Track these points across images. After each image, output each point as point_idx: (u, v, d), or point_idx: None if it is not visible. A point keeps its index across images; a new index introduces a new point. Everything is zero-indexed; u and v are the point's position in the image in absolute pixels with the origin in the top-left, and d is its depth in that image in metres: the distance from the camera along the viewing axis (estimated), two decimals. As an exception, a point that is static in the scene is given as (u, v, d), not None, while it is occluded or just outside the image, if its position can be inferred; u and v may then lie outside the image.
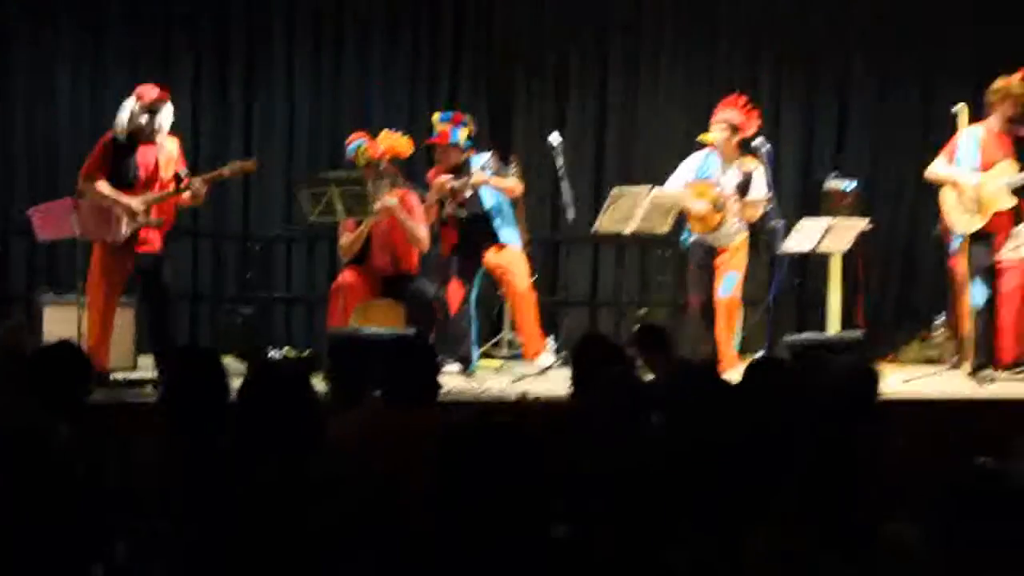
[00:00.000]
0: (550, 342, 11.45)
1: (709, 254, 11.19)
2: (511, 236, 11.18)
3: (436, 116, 11.44)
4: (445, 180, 11.01)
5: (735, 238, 11.16)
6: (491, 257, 11.14)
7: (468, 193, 11.04)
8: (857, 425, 5.35)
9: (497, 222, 11.14)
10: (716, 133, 11.18)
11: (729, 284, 11.09)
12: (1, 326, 7.79)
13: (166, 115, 9.99)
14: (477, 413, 4.98)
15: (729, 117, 11.20)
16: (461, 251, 11.20)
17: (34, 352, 6.32)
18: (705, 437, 4.58)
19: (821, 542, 3.98)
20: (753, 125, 11.27)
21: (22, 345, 7.70)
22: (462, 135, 11.10)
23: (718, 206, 10.97)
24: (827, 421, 4.47)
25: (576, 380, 6.59)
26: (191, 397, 5.42)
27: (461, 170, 11.12)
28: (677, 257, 12.93)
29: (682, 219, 11.34)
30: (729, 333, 11.02)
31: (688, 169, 11.34)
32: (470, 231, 11.11)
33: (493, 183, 11.00)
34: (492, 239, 11.11)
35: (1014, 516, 3.87)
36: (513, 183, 10.99)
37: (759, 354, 10.13)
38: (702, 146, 11.36)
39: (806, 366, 8.82)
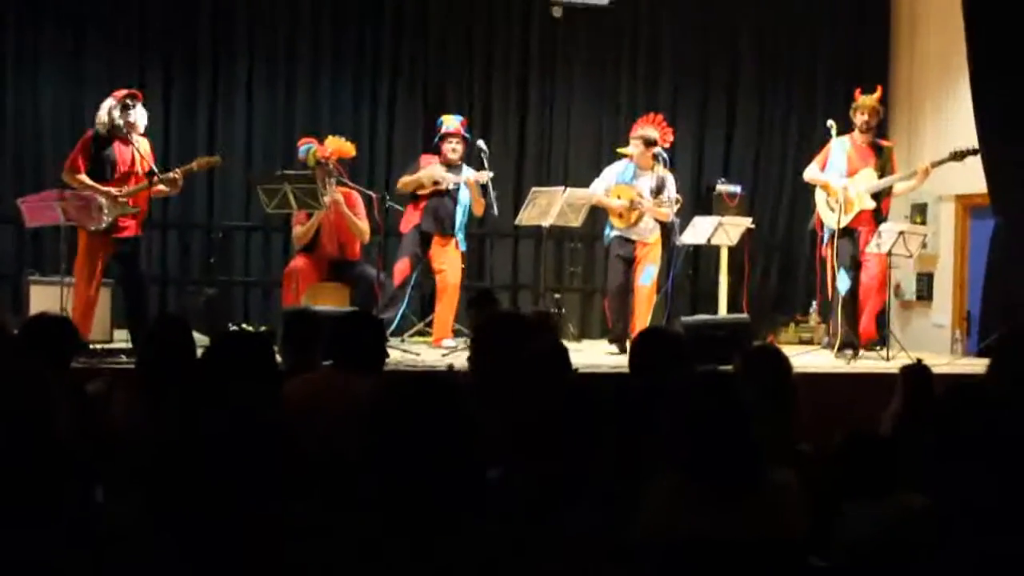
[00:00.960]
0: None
1: (628, 246, 11.36)
2: (460, 237, 11.36)
3: (449, 116, 11.63)
4: (443, 172, 11.19)
5: (650, 235, 11.34)
6: (436, 250, 11.29)
7: (451, 186, 11.20)
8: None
9: (460, 221, 11.31)
10: (633, 147, 11.39)
11: (648, 275, 11.33)
12: None
13: (140, 114, 10.02)
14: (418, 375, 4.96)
15: (645, 133, 11.38)
16: (419, 233, 11.32)
17: (32, 319, 6.32)
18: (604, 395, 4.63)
19: (712, 487, 4.03)
20: (667, 139, 11.48)
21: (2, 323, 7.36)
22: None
23: (635, 204, 11.17)
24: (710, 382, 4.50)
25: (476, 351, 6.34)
26: (164, 357, 5.53)
27: (451, 167, 11.30)
28: (586, 250, 13.15)
29: (605, 218, 11.59)
30: (646, 314, 11.20)
31: (611, 174, 11.51)
32: (432, 217, 11.28)
33: (474, 193, 11.16)
34: (445, 233, 11.29)
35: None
36: (482, 206, 11.17)
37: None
38: (620, 157, 11.59)
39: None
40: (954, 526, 3.42)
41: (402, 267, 11.27)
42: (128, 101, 9.97)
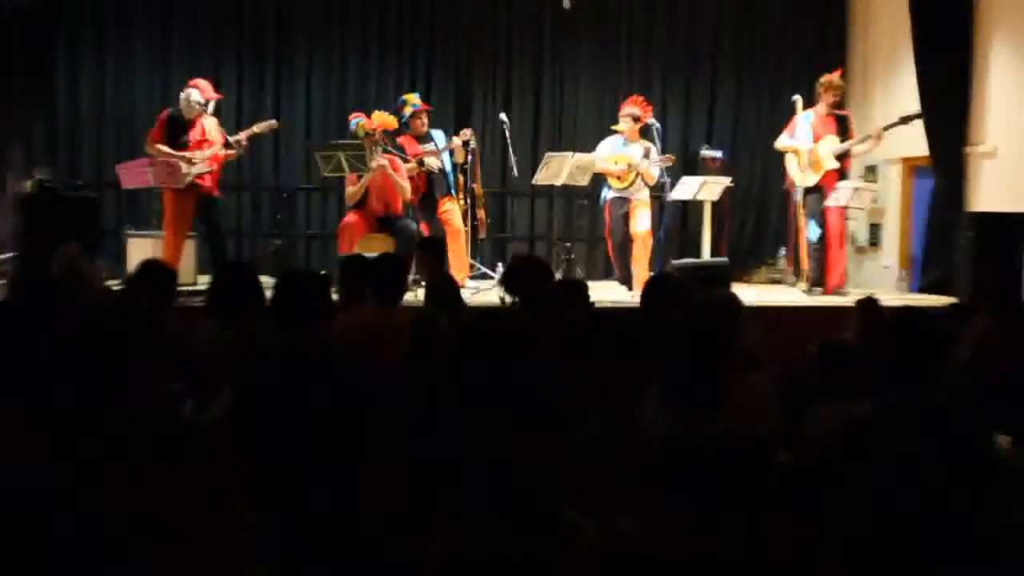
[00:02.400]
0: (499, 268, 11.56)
1: (624, 205, 11.35)
2: (453, 191, 11.40)
3: (412, 95, 11.62)
4: (429, 152, 11.19)
5: (640, 194, 11.37)
6: (442, 205, 11.31)
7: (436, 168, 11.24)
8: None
9: (450, 180, 11.36)
10: (624, 124, 11.44)
11: (643, 220, 11.28)
12: (60, 256, 7.34)
13: (211, 105, 10.45)
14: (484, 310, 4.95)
15: (632, 111, 11.43)
16: (425, 199, 11.33)
17: (143, 264, 6.33)
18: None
19: (690, 394, 4.07)
20: (648, 116, 11.50)
21: (81, 271, 7.17)
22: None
23: (632, 167, 11.20)
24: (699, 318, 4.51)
25: (508, 286, 6.55)
26: (237, 295, 5.55)
27: (423, 138, 11.34)
28: (592, 206, 13.16)
29: (601, 181, 11.61)
30: (645, 257, 11.17)
31: (607, 147, 11.54)
32: (432, 185, 11.28)
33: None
34: (446, 192, 11.33)
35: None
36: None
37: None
38: (613, 132, 11.64)
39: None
40: (892, 428, 3.46)
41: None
42: (208, 99, 10.42)
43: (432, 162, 11.17)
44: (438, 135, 11.44)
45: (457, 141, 11.27)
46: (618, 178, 11.34)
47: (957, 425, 3.61)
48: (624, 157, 11.30)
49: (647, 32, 14.03)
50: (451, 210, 11.28)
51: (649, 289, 6.02)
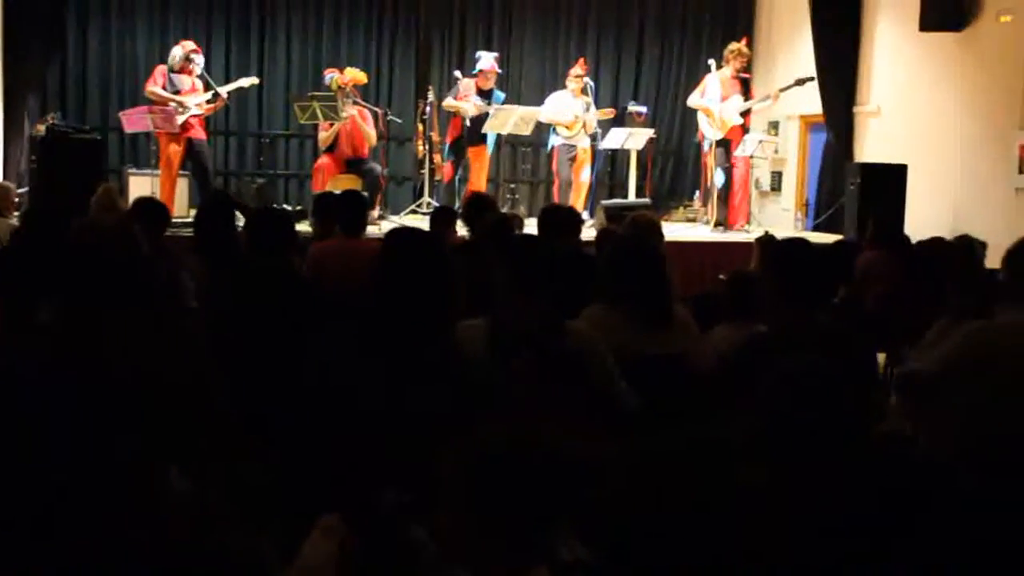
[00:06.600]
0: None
1: (571, 152, 11.35)
2: (489, 142, 11.35)
3: (488, 53, 11.50)
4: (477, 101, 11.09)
5: (583, 142, 11.38)
6: (473, 153, 11.28)
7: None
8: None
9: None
10: (573, 83, 11.42)
11: (586, 172, 11.35)
12: (101, 189, 7.68)
13: (198, 59, 10.31)
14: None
15: (577, 72, 11.47)
16: (457, 143, 11.25)
17: (137, 200, 6.26)
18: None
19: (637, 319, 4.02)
20: (587, 75, 11.59)
21: (115, 202, 7.50)
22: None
23: (578, 118, 11.23)
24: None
25: (464, 219, 6.71)
26: (215, 223, 5.50)
27: (487, 94, 11.23)
28: (534, 154, 13.10)
29: (544, 132, 11.72)
30: (579, 202, 11.03)
31: (555, 100, 11.48)
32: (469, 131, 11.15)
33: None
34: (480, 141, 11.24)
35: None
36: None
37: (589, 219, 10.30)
38: (561, 87, 11.69)
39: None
40: (784, 346, 3.43)
41: (448, 168, 11.35)
42: (191, 55, 10.25)
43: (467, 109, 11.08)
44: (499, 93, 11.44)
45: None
46: (567, 127, 11.32)
47: (842, 342, 3.58)
48: (570, 111, 11.33)
49: (584, 2, 13.88)
50: (479, 155, 11.34)
51: (544, 217, 6.19)
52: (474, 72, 11.31)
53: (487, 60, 11.29)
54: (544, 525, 1.98)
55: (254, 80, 10.93)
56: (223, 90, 10.37)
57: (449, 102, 11.22)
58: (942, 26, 10.62)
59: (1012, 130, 10.01)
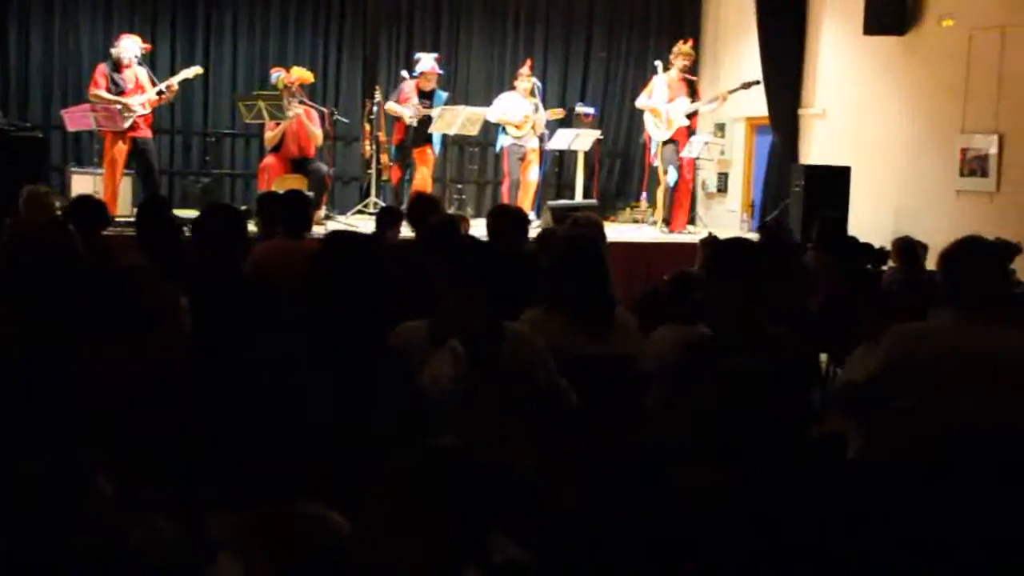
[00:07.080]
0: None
1: (520, 151, 11.34)
2: (435, 142, 11.31)
3: (428, 55, 11.37)
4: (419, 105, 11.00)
5: (532, 142, 11.39)
6: (417, 154, 11.16)
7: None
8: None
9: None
10: (521, 82, 11.49)
11: (534, 172, 11.38)
12: (25, 192, 7.40)
13: (137, 51, 10.20)
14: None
15: (526, 72, 11.55)
16: (402, 145, 11.19)
17: (74, 199, 6.19)
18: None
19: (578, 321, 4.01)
20: (534, 75, 11.67)
21: (43, 202, 7.09)
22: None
23: (528, 118, 11.29)
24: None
25: (409, 220, 6.63)
26: (159, 227, 5.42)
27: (428, 95, 11.15)
28: (481, 153, 13.06)
29: (491, 132, 11.70)
30: (528, 202, 11.07)
31: (504, 102, 11.48)
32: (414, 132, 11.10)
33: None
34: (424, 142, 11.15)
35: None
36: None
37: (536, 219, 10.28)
38: (510, 89, 11.71)
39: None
40: (723, 348, 3.42)
41: (395, 171, 11.27)
42: (138, 52, 10.21)
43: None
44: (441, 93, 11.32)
45: None
46: (516, 127, 11.31)
47: (784, 344, 3.59)
48: (520, 111, 11.35)
49: (532, 3, 13.86)
50: (426, 157, 11.22)
51: (493, 218, 6.11)
52: (415, 74, 11.25)
53: (427, 62, 11.19)
54: (474, 531, 1.96)
55: (198, 70, 10.75)
56: (169, 83, 10.24)
57: (390, 106, 11.14)
58: (886, 30, 10.75)
59: (954, 133, 10.13)
